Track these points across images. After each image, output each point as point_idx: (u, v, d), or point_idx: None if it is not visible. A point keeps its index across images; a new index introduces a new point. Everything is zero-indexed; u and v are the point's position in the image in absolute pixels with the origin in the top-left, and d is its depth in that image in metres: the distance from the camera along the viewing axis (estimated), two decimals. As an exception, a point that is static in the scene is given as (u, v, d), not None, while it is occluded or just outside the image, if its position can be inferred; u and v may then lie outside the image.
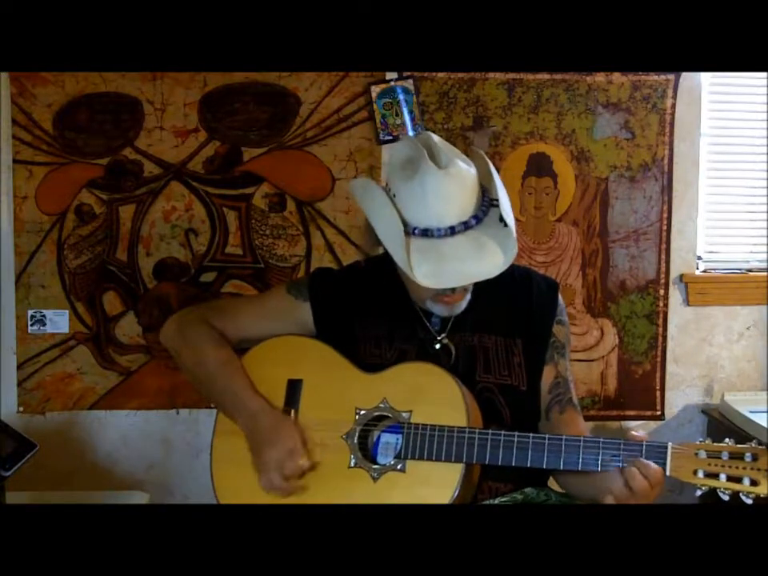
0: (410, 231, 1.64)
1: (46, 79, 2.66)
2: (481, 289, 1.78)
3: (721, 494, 1.50)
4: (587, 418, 2.52)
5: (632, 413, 2.90)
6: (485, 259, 1.62)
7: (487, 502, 1.71)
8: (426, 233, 1.64)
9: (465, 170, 1.65)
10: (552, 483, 1.81)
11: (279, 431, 1.72)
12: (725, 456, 1.51)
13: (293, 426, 1.74)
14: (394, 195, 1.67)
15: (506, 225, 1.63)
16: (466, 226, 1.64)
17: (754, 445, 1.51)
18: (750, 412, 2.68)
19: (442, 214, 1.63)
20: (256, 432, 1.74)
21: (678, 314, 2.90)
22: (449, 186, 1.63)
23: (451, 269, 1.62)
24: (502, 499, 1.72)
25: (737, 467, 1.50)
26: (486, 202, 1.68)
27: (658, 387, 2.90)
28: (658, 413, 2.91)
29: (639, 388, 2.89)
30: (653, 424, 2.91)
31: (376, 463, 1.70)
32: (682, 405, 2.93)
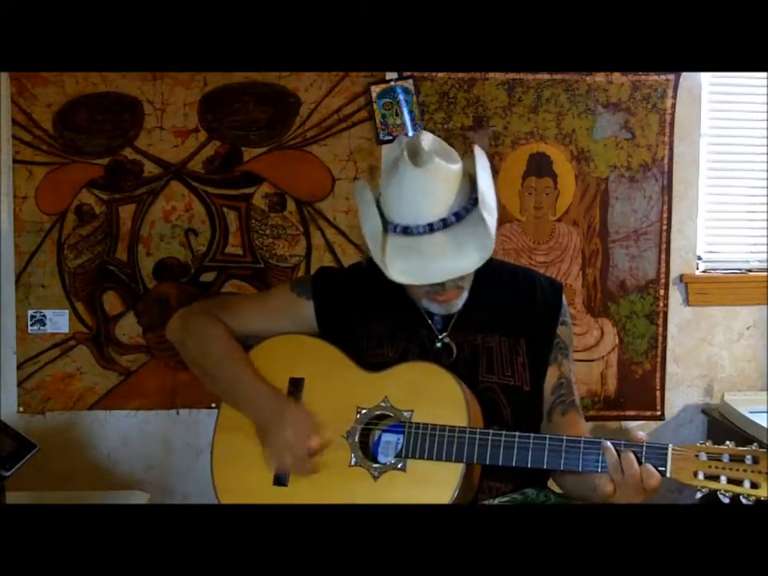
0: (390, 229, 1.67)
1: (46, 79, 2.66)
2: (484, 289, 1.78)
3: (721, 497, 1.49)
4: (587, 418, 2.52)
5: (632, 413, 2.90)
6: (460, 257, 1.63)
7: (487, 502, 1.72)
8: (405, 230, 1.66)
9: (444, 167, 1.66)
10: (551, 484, 1.81)
11: (284, 413, 1.72)
12: (725, 458, 1.50)
13: (298, 407, 1.74)
14: (381, 195, 1.71)
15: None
16: (444, 223, 1.65)
17: (754, 447, 1.51)
18: (750, 412, 2.68)
19: (419, 211, 1.65)
20: (262, 417, 1.75)
21: (678, 313, 2.90)
22: (425, 183, 1.64)
23: (425, 267, 1.64)
24: (502, 500, 1.72)
25: (737, 469, 1.49)
26: (474, 198, 1.69)
27: (658, 387, 2.90)
28: (658, 413, 2.91)
29: (639, 388, 2.89)
30: (653, 424, 2.91)
31: (377, 462, 1.70)
32: (681, 405, 2.93)
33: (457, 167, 1.68)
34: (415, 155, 1.67)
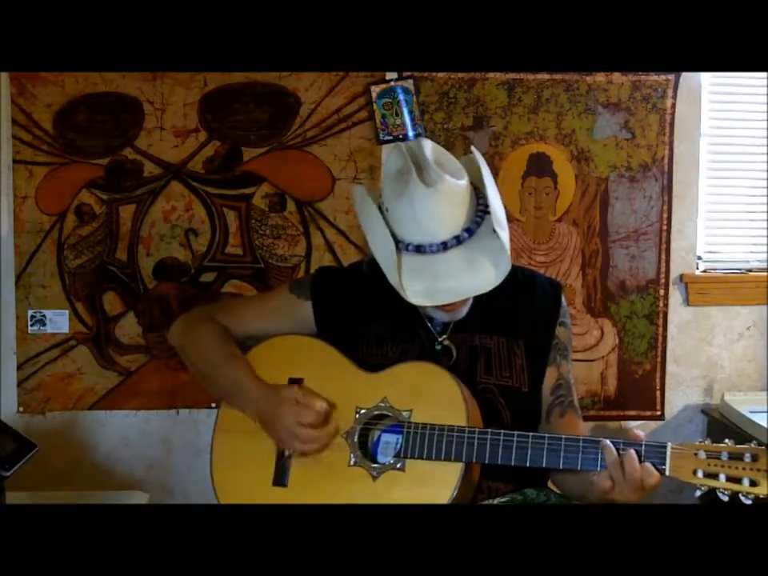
0: (402, 247, 1.66)
1: (45, 79, 2.66)
2: (484, 290, 1.78)
3: (720, 495, 1.49)
4: (587, 418, 2.52)
5: (632, 413, 2.90)
6: (476, 276, 1.63)
7: (487, 502, 1.71)
8: (419, 249, 1.65)
9: (453, 185, 1.65)
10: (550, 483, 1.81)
11: (280, 396, 1.73)
12: (724, 456, 1.50)
13: (290, 386, 1.75)
14: (387, 210, 1.69)
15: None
16: (458, 240, 1.64)
17: (753, 445, 1.51)
18: (750, 412, 2.68)
19: (433, 231, 1.64)
20: (262, 410, 1.75)
21: (678, 314, 2.90)
22: (438, 204, 1.63)
23: (443, 287, 1.63)
24: (502, 500, 1.72)
25: (736, 467, 1.49)
26: (481, 209, 1.68)
27: (658, 387, 2.90)
28: (658, 413, 2.91)
29: (639, 388, 2.89)
30: (653, 424, 2.91)
31: (376, 462, 1.70)
32: (681, 405, 2.93)
33: (464, 182, 1.67)
34: (422, 171, 1.65)
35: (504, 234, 1.63)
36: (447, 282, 1.63)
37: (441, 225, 1.64)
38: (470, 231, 1.65)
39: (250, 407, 1.77)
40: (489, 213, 1.66)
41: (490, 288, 1.63)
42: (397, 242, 1.66)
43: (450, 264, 1.63)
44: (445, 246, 1.64)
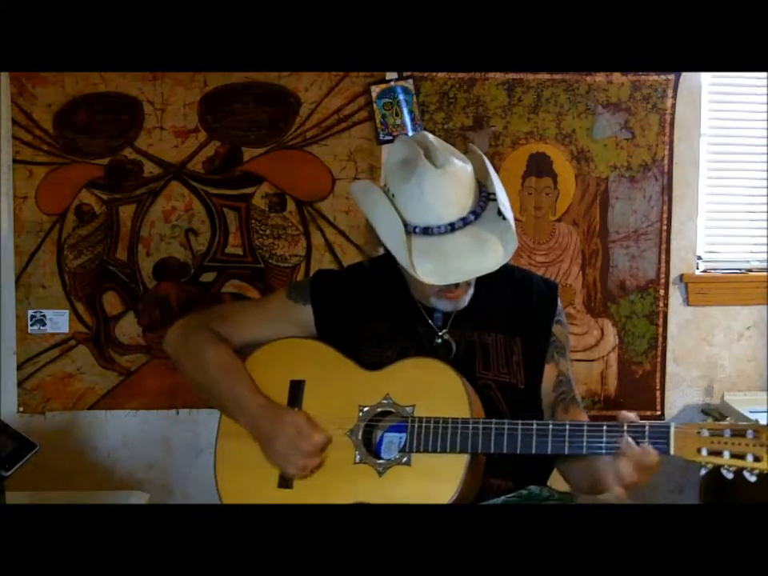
0: (410, 230, 1.66)
1: (45, 79, 2.66)
2: (482, 287, 1.79)
3: (724, 472, 1.50)
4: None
5: (632, 413, 2.90)
6: (485, 254, 1.64)
7: (492, 501, 1.71)
8: (426, 231, 1.65)
9: (461, 168, 1.67)
10: (554, 482, 1.81)
11: (280, 420, 1.73)
12: (727, 433, 1.51)
13: (293, 411, 1.75)
14: (393, 196, 1.69)
15: (504, 218, 1.65)
16: (465, 222, 1.65)
17: (755, 422, 1.52)
18: (750, 412, 2.67)
19: (441, 212, 1.64)
20: (259, 428, 1.75)
21: (678, 313, 2.91)
22: (446, 184, 1.64)
23: (453, 266, 1.64)
24: (508, 496, 1.72)
25: (739, 444, 1.50)
26: (484, 196, 1.70)
27: (657, 387, 2.90)
28: (658, 413, 2.91)
29: (639, 388, 2.89)
30: (653, 424, 2.91)
31: (380, 458, 1.70)
32: (681, 405, 2.93)
33: (470, 167, 1.69)
34: (430, 154, 1.67)
35: (509, 214, 1.65)
36: (457, 261, 1.64)
37: (448, 206, 1.65)
38: (475, 214, 1.67)
39: (247, 421, 1.78)
40: (492, 200, 1.68)
41: (498, 266, 1.65)
42: (404, 225, 1.66)
43: (458, 244, 1.64)
44: (452, 228, 1.65)
